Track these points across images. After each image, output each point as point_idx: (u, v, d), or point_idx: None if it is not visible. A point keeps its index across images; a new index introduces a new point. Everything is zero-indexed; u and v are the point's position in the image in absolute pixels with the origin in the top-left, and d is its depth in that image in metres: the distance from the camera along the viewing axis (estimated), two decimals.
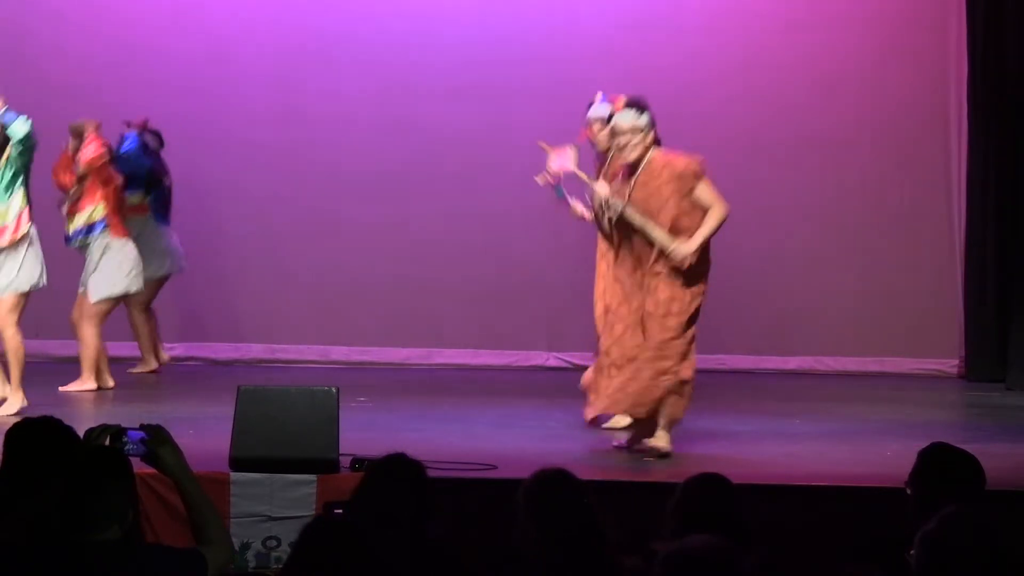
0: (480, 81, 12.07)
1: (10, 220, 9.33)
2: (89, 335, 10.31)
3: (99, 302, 10.36)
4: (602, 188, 8.25)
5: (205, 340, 12.07)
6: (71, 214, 10.32)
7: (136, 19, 12.16)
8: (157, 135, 11.27)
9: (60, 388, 10.16)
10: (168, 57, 12.08)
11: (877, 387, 11.33)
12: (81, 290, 10.33)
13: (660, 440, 8.09)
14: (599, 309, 8.44)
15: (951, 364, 11.97)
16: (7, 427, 4.99)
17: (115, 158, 10.68)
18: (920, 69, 12.07)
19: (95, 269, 10.37)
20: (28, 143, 9.30)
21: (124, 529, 4.35)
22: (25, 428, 4.91)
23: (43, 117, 9.57)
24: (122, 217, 10.48)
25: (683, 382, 8.11)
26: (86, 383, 10.31)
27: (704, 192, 8.09)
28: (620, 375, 8.12)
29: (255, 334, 12.23)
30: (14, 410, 9.12)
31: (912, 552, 4.29)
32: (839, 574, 4.78)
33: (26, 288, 9.37)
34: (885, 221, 12.09)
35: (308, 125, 12.13)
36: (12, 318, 9.33)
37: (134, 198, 10.97)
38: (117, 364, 10.70)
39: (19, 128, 9.26)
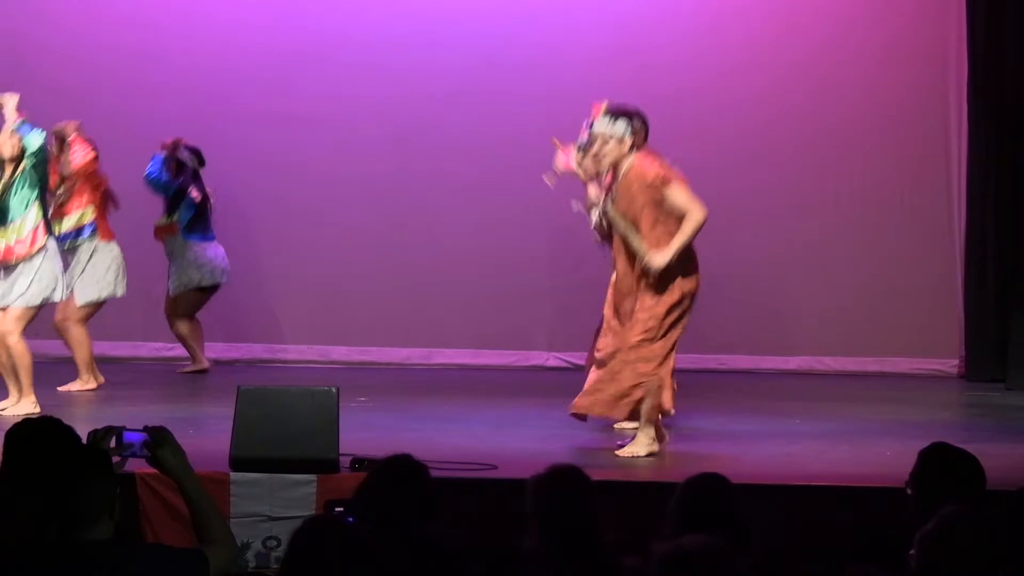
0: (480, 83, 12.07)
1: (26, 234, 9.33)
2: (80, 334, 10.33)
3: (85, 305, 10.38)
4: (592, 191, 8.31)
5: (206, 340, 12.06)
6: (57, 216, 10.31)
7: (135, 23, 12.16)
8: (196, 153, 11.37)
9: (59, 388, 10.16)
10: (168, 60, 12.08)
11: (877, 387, 11.33)
12: (66, 292, 10.29)
13: (637, 446, 8.13)
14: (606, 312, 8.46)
15: (951, 364, 11.97)
16: (7, 427, 4.99)
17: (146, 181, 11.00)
18: (920, 69, 12.06)
19: (82, 272, 10.38)
20: (41, 155, 9.33)
21: (114, 527, 4.35)
22: (25, 428, 4.91)
23: (40, 122, 9.56)
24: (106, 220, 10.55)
25: (660, 386, 8.14)
26: (87, 383, 10.32)
27: (676, 197, 8.08)
28: (595, 374, 8.18)
29: (255, 334, 12.24)
30: (24, 410, 9.11)
31: (912, 552, 4.30)
32: (839, 574, 4.77)
33: (37, 302, 9.38)
34: (885, 221, 12.09)
35: (308, 127, 12.13)
36: (18, 326, 9.35)
37: (161, 219, 11.14)
38: (120, 364, 10.71)
39: (33, 140, 9.29)
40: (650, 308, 8.06)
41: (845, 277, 12.08)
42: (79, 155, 10.23)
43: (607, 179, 8.28)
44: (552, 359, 12.10)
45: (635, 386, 8.07)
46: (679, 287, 8.10)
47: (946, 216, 12.08)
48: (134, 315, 11.43)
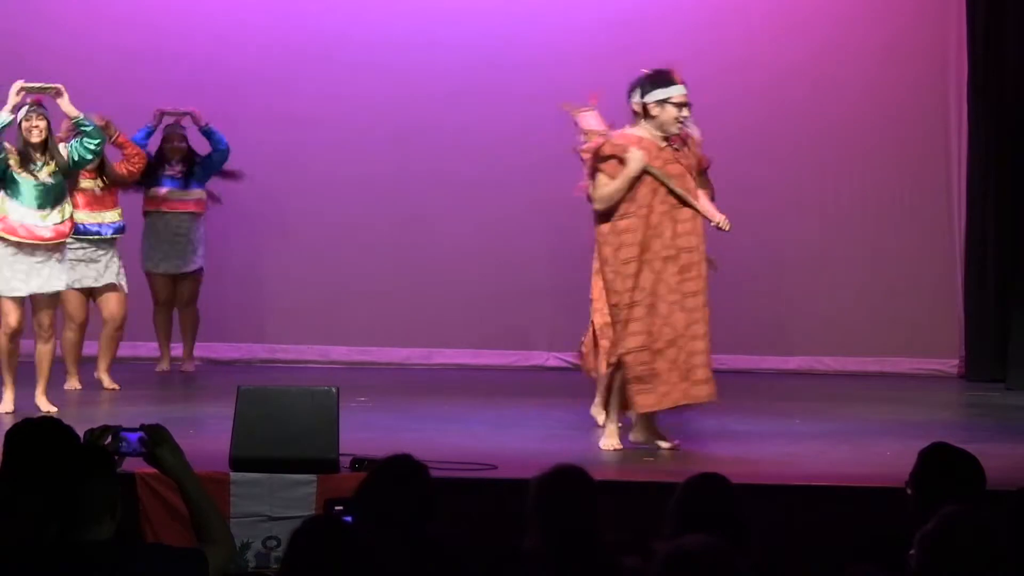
0: (480, 83, 12.07)
1: (68, 216, 9.43)
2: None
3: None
4: (637, 152, 8.24)
5: (205, 340, 12.05)
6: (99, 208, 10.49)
7: (136, 22, 12.16)
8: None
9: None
10: (169, 59, 12.08)
11: (877, 387, 11.33)
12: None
13: (634, 433, 8.27)
14: None
15: (951, 364, 11.97)
16: (7, 427, 4.99)
17: None
18: (920, 69, 12.07)
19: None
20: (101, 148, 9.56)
21: (115, 527, 4.35)
22: (25, 428, 4.91)
23: None
24: None
25: (616, 366, 8.15)
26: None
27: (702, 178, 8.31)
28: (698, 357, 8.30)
29: (255, 334, 12.24)
30: (45, 409, 9.15)
31: (912, 552, 4.30)
32: (839, 574, 4.77)
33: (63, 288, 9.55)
34: (885, 221, 12.10)
35: (308, 127, 12.14)
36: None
37: (199, 191, 11.22)
38: (120, 364, 10.71)
39: (96, 138, 9.49)
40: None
41: (845, 277, 12.08)
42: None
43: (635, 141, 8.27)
44: (552, 359, 12.10)
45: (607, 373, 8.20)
46: (613, 266, 8.23)
47: (946, 216, 12.08)
48: (134, 315, 11.40)
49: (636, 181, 8.14)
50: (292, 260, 12.20)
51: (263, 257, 12.21)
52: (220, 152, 11.25)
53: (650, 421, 8.30)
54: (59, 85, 9.48)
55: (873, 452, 8.22)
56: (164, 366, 11.39)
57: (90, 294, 10.50)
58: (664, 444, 8.27)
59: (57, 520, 4.31)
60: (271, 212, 12.20)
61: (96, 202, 10.40)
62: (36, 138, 9.31)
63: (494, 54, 12.10)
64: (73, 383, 10.36)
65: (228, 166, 11.40)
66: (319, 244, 12.18)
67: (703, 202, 8.32)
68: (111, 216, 10.47)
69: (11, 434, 4.89)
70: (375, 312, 12.14)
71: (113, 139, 10.36)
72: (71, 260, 9.99)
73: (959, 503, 4.50)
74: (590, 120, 8.54)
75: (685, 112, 8.27)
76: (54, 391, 9.59)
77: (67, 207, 9.41)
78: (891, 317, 12.02)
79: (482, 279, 12.10)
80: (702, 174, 8.31)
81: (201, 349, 12.03)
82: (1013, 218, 11.54)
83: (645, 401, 8.15)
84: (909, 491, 5.14)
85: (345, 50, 12.16)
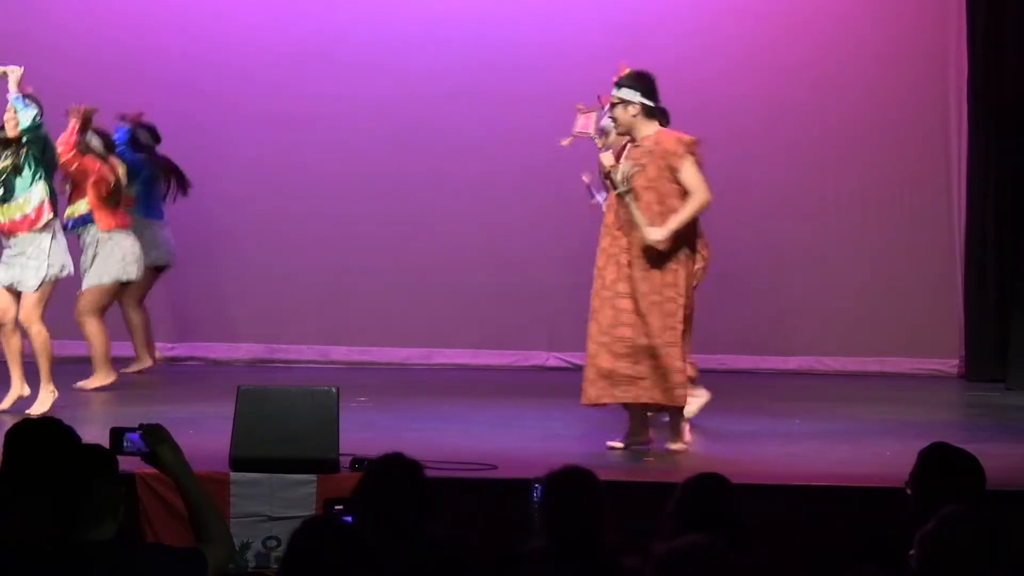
0: (480, 83, 12.06)
1: (30, 209, 9.32)
2: (94, 328, 10.38)
3: (88, 290, 10.43)
4: (606, 158, 8.27)
5: (204, 340, 12.07)
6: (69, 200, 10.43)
7: (136, 22, 12.15)
8: (151, 130, 11.25)
9: (75, 385, 10.16)
10: (166, 57, 12.08)
11: (877, 387, 11.33)
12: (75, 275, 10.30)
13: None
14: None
15: (951, 364, 11.97)
16: (7, 427, 5.00)
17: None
18: (920, 69, 12.06)
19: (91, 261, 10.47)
20: (33, 132, 9.28)
21: (117, 527, 4.35)
22: (25, 428, 4.91)
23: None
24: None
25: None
26: (104, 379, 10.35)
27: (688, 174, 8.09)
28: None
29: (255, 334, 12.22)
30: (47, 407, 9.11)
31: (912, 552, 4.30)
32: (839, 574, 4.77)
33: (51, 282, 9.36)
34: (885, 221, 12.10)
35: (308, 125, 12.13)
36: (36, 313, 9.32)
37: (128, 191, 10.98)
38: (120, 364, 10.71)
39: (24, 116, 9.26)
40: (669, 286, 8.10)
41: (845, 277, 12.08)
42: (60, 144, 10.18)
43: (619, 147, 8.29)
44: (552, 359, 12.10)
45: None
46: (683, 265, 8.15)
47: (946, 216, 12.08)
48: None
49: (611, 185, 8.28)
50: (292, 260, 12.19)
51: (263, 257, 12.20)
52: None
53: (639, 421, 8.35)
54: (13, 67, 9.38)
55: (873, 452, 8.22)
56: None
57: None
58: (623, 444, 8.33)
59: (58, 520, 4.32)
60: (271, 212, 12.19)
61: None
62: (11, 132, 9.29)
63: (494, 54, 12.10)
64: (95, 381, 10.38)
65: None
66: (319, 244, 12.18)
67: (632, 209, 8.16)
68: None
69: (11, 434, 4.89)
70: (375, 312, 12.14)
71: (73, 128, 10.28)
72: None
73: (959, 503, 4.50)
74: (582, 122, 8.59)
75: (616, 111, 8.24)
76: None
77: (31, 199, 9.31)
78: (891, 317, 12.02)
79: (482, 279, 12.10)
80: (677, 170, 8.18)
81: (201, 349, 12.05)
82: (1013, 218, 11.54)
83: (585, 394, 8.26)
84: (909, 491, 5.15)
85: (345, 50, 12.16)
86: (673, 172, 8.09)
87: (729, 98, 11.86)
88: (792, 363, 12.07)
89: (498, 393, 10.62)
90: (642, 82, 8.23)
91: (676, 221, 8.04)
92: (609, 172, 8.19)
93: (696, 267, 8.42)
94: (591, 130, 8.63)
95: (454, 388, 10.91)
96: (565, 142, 8.75)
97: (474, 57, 12.10)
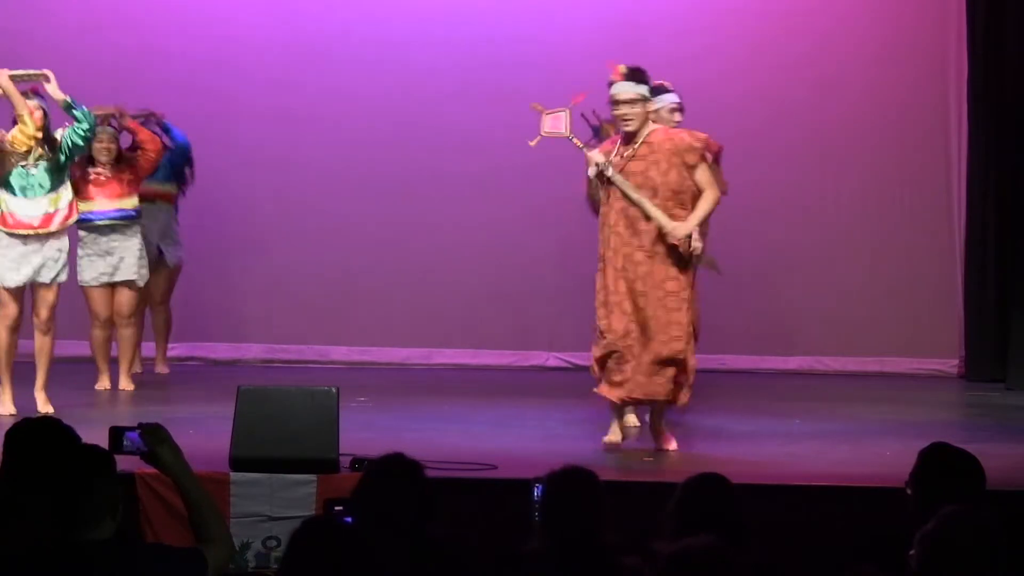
0: (482, 82, 12.07)
1: (62, 205, 9.34)
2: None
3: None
4: (596, 155, 8.27)
5: (205, 340, 12.07)
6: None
7: (136, 21, 12.16)
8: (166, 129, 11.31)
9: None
10: (170, 57, 12.08)
11: (877, 387, 11.33)
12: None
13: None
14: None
15: (951, 364, 11.97)
16: (7, 427, 5.00)
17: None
18: (920, 69, 12.07)
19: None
20: (81, 137, 9.36)
21: (115, 527, 4.35)
22: (25, 428, 4.91)
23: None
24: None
25: None
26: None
27: (704, 172, 8.15)
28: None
29: (255, 334, 12.23)
30: (44, 410, 9.12)
31: (912, 552, 4.30)
32: (839, 574, 4.77)
33: (63, 279, 9.38)
34: (885, 221, 12.10)
35: (309, 125, 12.14)
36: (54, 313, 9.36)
37: (166, 185, 11.02)
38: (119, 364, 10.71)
39: (84, 119, 9.34)
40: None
41: (845, 277, 12.08)
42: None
43: (614, 146, 8.27)
44: (552, 359, 12.10)
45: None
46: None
47: (946, 216, 12.08)
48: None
49: (605, 183, 8.22)
50: (292, 260, 12.19)
51: (263, 257, 12.20)
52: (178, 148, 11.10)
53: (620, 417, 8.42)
54: (46, 71, 9.42)
55: (873, 452, 8.22)
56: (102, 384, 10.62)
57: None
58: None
59: (58, 520, 4.32)
60: (271, 211, 12.19)
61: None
62: (33, 130, 9.29)
63: (495, 54, 12.10)
64: (104, 383, 10.34)
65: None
66: (319, 244, 12.18)
67: (648, 206, 8.16)
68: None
69: (11, 434, 4.89)
70: (375, 312, 12.14)
71: (124, 126, 10.37)
72: (90, 254, 10.04)
73: (959, 503, 4.50)
74: (550, 122, 8.60)
75: (622, 110, 8.22)
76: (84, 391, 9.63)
77: (62, 196, 9.35)
78: (891, 317, 12.02)
79: (482, 279, 12.10)
80: (693, 168, 8.18)
81: (201, 349, 12.05)
82: (1013, 218, 11.54)
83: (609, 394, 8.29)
84: (909, 491, 5.15)
85: (345, 49, 12.16)
86: (689, 169, 8.14)
87: (729, 98, 11.86)
88: (792, 363, 12.07)
89: (498, 393, 10.62)
90: (646, 78, 8.29)
91: (697, 218, 8.14)
92: (600, 168, 8.18)
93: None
94: (563, 129, 8.61)
95: (454, 388, 10.91)
96: (533, 142, 8.74)
97: (475, 56, 12.10)
